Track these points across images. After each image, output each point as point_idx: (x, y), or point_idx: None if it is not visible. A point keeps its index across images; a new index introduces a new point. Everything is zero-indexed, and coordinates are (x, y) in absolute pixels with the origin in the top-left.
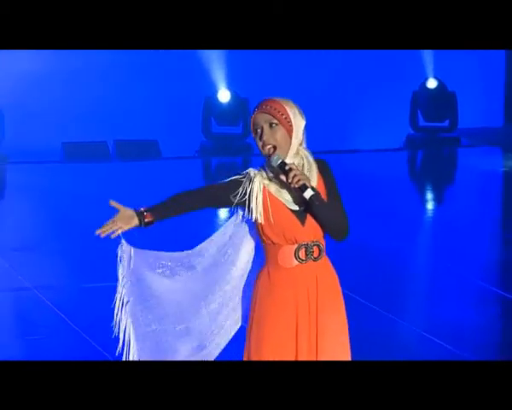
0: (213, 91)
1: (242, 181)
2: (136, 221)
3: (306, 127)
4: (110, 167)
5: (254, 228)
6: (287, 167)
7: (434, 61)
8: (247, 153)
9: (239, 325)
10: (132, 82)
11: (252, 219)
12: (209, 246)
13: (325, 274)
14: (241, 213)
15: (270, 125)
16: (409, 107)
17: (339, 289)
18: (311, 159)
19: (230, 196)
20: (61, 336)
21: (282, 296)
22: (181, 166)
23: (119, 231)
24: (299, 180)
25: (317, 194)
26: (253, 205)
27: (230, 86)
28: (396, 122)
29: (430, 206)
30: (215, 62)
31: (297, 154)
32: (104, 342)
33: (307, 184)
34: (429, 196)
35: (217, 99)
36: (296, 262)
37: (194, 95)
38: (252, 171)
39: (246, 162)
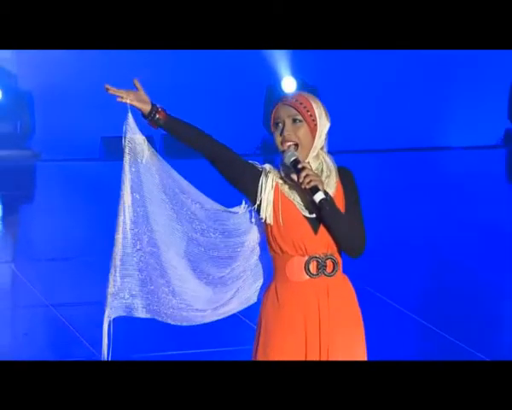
0: (276, 80)
1: (260, 172)
2: (147, 107)
3: (391, 125)
4: None
5: (263, 225)
6: (299, 166)
7: None
8: None
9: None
10: (183, 73)
11: (261, 218)
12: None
13: (339, 288)
14: (246, 205)
15: (294, 120)
16: (507, 98)
17: (355, 306)
18: (331, 165)
19: (243, 175)
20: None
21: (289, 314)
22: None
23: (127, 101)
24: (310, 181)
25: (329, 199)
26: (263, 203)
27: (296, 73)
28: (492, 115)
29: None
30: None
31: (317, 157)
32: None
33: (319, 187)
34: None
35: (281, 88)
36: (306, 277)
37: (255, 84)
38: (268, 166)
39: None
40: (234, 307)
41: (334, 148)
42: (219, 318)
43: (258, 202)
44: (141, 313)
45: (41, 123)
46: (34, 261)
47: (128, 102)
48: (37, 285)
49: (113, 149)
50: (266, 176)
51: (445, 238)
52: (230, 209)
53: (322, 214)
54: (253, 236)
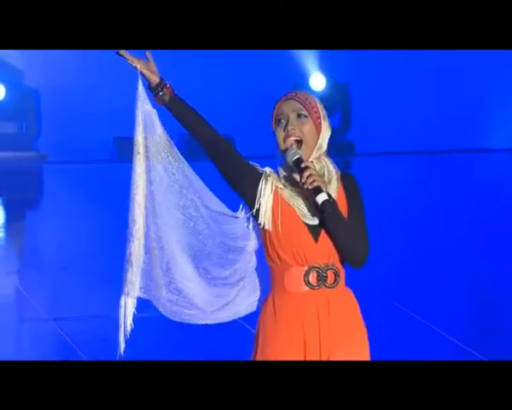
0: (304, 77)
1: (260, 175)
2: (155, 79)
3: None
4: None
5: (260, 232)
6: (302, 165)
7: None
8: (347, 151)
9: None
10: (202, 70)
11: (259, 224)
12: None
13: (340, 301)
14: (243, 210)
15: (299, 115)
16: None
17: (359, 319)
18: (333, 170)
19: (243, 178)
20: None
21: (288, 328)
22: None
23: (137, 66)
24: (313, 181)
25: (331, 201)
26: (261, 208)
27: (325, 70)
28: None
29: None
30: None
31: (319, 161)
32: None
33: (322, 188)
34: None
35: (308, 86)
36: (306, 288)
37: (280, 82)
38: (268, 169)
39: (344, 164)
40: (225, 316)
41: (367, 149)
42: (207, 323)
43: (256, 207)
44: (140, 294)
45: (48, 123)
46: (40, 270)
47: (138, 67)
48: (43, 297)
49: (128, 150)
50: (266, 180)
51: (485, 251)
52: (232, 213)
53: (323, 218)
54: (252, 242)
